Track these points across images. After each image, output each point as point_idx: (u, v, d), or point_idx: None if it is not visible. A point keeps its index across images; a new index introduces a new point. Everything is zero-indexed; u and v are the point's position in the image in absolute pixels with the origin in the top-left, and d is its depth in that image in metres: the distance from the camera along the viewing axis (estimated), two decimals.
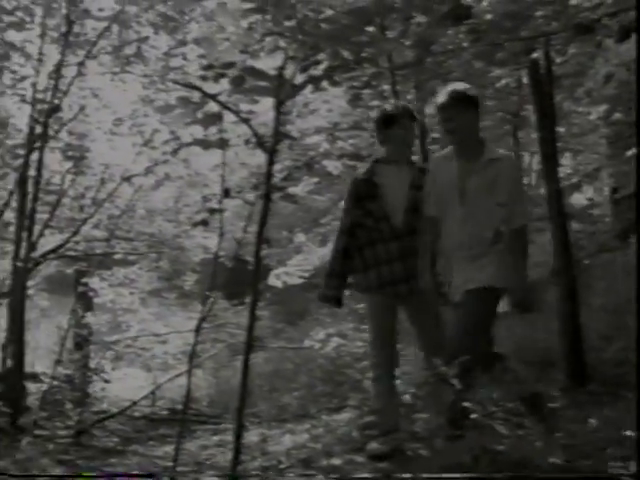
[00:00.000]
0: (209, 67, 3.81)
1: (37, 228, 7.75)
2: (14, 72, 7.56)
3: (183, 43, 8.81)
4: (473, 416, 3.44)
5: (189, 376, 4.42)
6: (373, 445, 4.60)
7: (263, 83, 3.65)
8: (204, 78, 3.86)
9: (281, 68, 3.64)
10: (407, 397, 5.43)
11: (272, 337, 11.43)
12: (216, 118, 3.79)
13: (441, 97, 4.16)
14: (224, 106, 3.77)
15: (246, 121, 3.75)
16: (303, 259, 9.45)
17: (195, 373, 8.85)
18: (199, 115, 3.86)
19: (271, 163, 3.65)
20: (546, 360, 5.84)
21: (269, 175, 3.65)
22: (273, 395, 8.33)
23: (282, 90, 3.60)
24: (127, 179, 9.09)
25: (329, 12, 4.23)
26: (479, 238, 4.03)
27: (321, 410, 7.06)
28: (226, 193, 3.96)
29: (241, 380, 3.68)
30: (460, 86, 4.29)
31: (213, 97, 3.71)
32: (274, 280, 8.93)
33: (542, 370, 5.53)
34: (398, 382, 4.98)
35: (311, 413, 7.11)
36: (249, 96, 3.84)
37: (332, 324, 9.05)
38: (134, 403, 8.61)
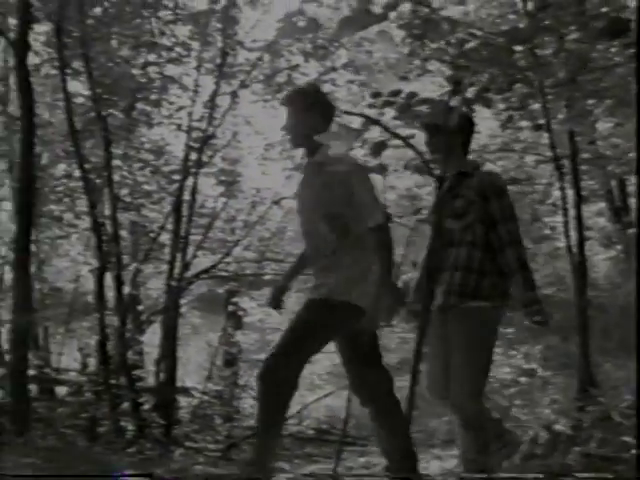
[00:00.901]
0: (376, 95, 3.85)
1: (191, 249, 8.14)
2: (172, 103, 8.04)
3: (333, 69, 8.98)
4: None
5: (348, 399, 4.38)
6: None
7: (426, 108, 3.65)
8: (372, 106, 3.89)
9: (451, 93, 3.61)
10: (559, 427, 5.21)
11: None
12: (383, 146, 3.80)
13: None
14: (393, 133, 3.76)
15: (415, 148, 3.73)
16: None
17: (340, 394, 8.93)
18: (361, 142, 3.90)
19: (440, 188, 3.59)
20: None
21: (440, 201, 3.58)
22: (420, 419, 8.23)
23: (449, 115, 3.57)
24: (277, 202, 9.36)
25: (479, 33, 4.17)
26: (314, 250, 3.52)
27: None
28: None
29: (407, 404, 3.54)
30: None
31: (384, 125, 3.72)
32: None
33: None
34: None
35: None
36: (413, 122, 3.83)
37: None
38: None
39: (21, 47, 5.89)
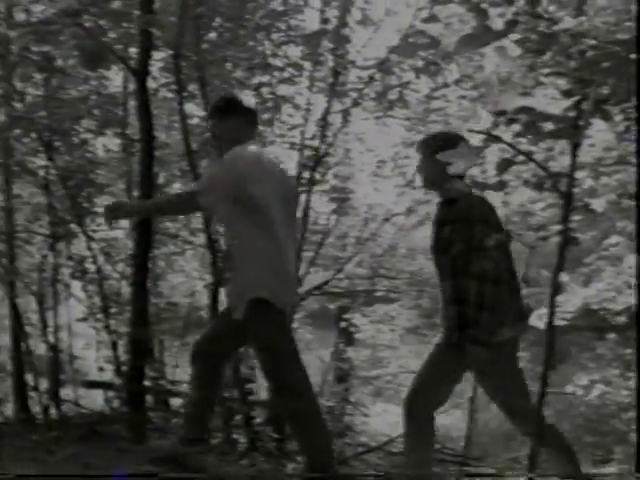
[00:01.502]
0: (501, 113, 3.81)
1: (303, 266, 8.24)
2: (284, 122, 8.19)
3: (445, 85, 8.93)
4: None
5: (470, 417, 4.33)
6: None
7: (550, 125, 3.58)
8: (496, 124, 3.86)
9: (575, 108, 3.52)
10: None
11: (532, 380, 11.00)
12: (510, 163, 3.76)
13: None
14: (519, 151, 3.72)
15: (540, 165, 3.67)
16: (565, 300, 9.03)
17: (453, 413, 8.80)
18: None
19: (568, 205, 3.53)
20: None
21: (566, 218, 3.51)
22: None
23: (577, 132, 3.47)
24: (389, 219, 9.37)
25: (597, 43, 4.05)
26: None
27: (586, 462, 6.66)
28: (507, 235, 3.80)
29: (536, 428, 3.46)
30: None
31: (508, 143, 3.68)
32: (536, 321, 8.64)
33: None
34: None
35: None
36: (537, 139, 3.77)
37: (596, 370, 8.53)
38: (392, 439, 8.73)
39: (141, 73, 6.17)
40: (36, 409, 7.59)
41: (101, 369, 7.84)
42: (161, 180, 8.38)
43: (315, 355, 10.18)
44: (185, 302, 9.57)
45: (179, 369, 8.76)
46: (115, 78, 8.13)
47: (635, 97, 3.43)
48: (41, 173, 7.59)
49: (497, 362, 3.56)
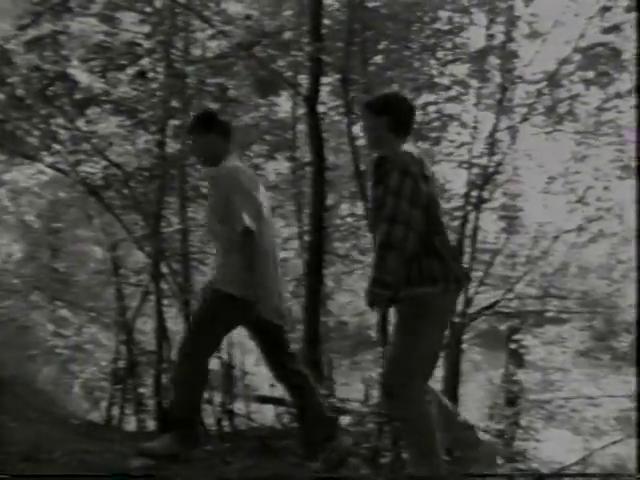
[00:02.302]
0: None
1: (473, 285, 8.12)
2: (451, 141, 8.13)
3: (618, 95, 8.53)
4: None
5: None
6: None
7: None
8: None
9: None
10: None
11: None
12: None
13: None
14: None
15: None
16: None
17: (629, 442, 8.33)
18: None
19: None
20: None
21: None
22: None
23: None
24: (559, 236, 9.06)
25: None
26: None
27: None
28: None
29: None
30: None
31: None
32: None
33: None
34: None
35: None
36: None
37: None
38: (565, 467, 8.38)
39: (311, 98, 6.37)
40: (210, 421, 7.92)
41: (272, 385, 8.06)
42: (330, 201, 8.56)
43: (485, 376, 9.99)
44: (354, 321, 9.69)
45: (348, 387, 8.87)
46: (283, 104, 8.42)
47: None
48: None
49: (398, 310, 3.42)
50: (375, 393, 8.53)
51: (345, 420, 8.42)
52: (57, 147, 7.45)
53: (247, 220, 3.78)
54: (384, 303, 3.29)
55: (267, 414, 8.50)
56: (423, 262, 3.27)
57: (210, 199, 4.07)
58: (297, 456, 6.11)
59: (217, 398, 7.77)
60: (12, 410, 5.61)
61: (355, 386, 9.34)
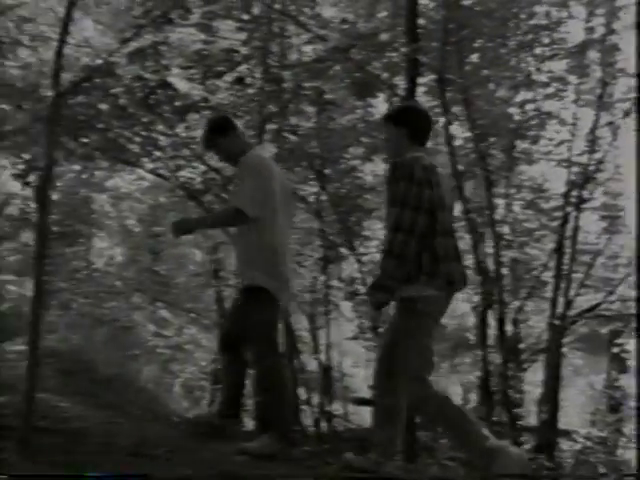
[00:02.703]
0: None
1: (573, 287, 7.93)
2: (550, 139, 7.95)
3: None
4: None
5: None
6: None
7: None
8: None
9: None
10: None
11: None
12: None
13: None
14: None
15: None
16: None
17: None
18: None
19: None
20: None
21: None
22: None
23: None
24: None
25: None
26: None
27: None
28: None
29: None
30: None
31: None
32: None
33: None
34: None
35: None
36: None
37: None
38: None
39: (409, 99, 6.35)
40: (308, 422, 7.98)
41: (370, 387, 8.07)
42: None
43: (586, 381, 9.71)
44: (452, 323, 9.58)
45: (447, 389, 8.75)
46: (380, 105, 8.40)
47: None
48: (312, 200, 8.03)
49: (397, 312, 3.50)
50: (474, 396, 8.43)
51: None
52: (157, 153, 7.67)
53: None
54: (384, 305, 3.43)
55: (365, 416, 8.51)
56: (421, 262, 3.39)
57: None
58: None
59: (315, 399, 7.84)
60: (116, 407, 5.79)
61: (454, 389, 9.24)
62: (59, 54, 3.99)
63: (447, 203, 3.53)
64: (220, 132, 4.30)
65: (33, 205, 8.36)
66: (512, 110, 7.99)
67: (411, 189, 3.34)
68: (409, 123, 3.62)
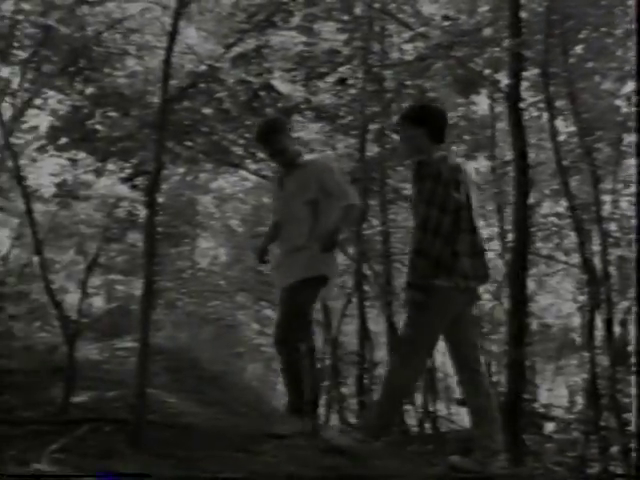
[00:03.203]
0: None
1: None
2: None
3: None
4: None
5: None
6: None
7: None
8: None
9: None
10: None
11: None
12: None
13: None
14: None
15: None
16: None
17: None
18: None
19: None
20: None
21: None
22: None
23: None
24: None
25: None
26: (296, 235, 4.22)
27: None
28: None
29: None
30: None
31: None
32: None
33: None
34: None
35: None
36: None
37: None
38: None
39: (513, 94, 6.23)
40: (411, 422, 7.93)
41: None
42: (531, 200, 8.34)
43: None
44: (558, 324, 9.33)
45: (552, 392, 8.56)
46: (481, 102, 8.29)
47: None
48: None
49: (427, 305, 3.59)
50: (580, 400, 8.18)
51: (549, 427, 8.15)
52: (260, 155, 7.80)
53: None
54: (422, 303, 3.56)
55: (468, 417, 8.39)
56: (442, 258, 3.52)
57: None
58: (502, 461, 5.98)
59: (419, 400, 7.79)
60: (222, 403, 5.90)
61: (558, 392, 8.99)
62: (167, 62, 4.11)
63: (472, 202, 3.61)
64: (275, 134, 4.35)
65: (140, 207, 8.62)
66: (619, 102, 7.72)
67: (437, 189, 3.41)
68: (428, 122, 3.70)
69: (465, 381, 3.74)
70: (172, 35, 4.09)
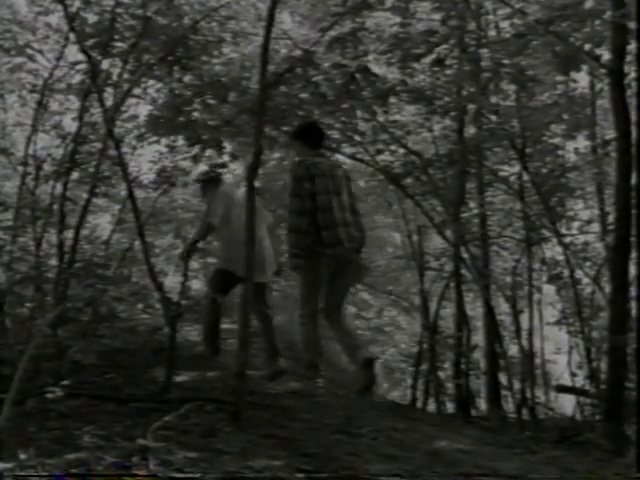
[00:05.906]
0: None
1: None
2: None
3: None
4: None
5: None
6: None
7: None
8: None
9: None
10: None
11: None
12: None
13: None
14: None
15: None
16: None
17: None
18: None
19: None
20: None
21: None
22: None
23: None
24: None
25: None
26: None
27: None
28: None
29: None
30: None
31: None
32: None
33: None
34: None
35: None
36: None
37: None
38: None
39: (617, 70, 5.98)
40: (508, 407, 7.80)
41: (573, 374, 7.74)
42: (633, 181, 8.00)
43: None
44: None
45: None
46: (582, 79, 7.99)
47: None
48: (514, 180, 7.80)
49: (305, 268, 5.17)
50: None
51: None
52: (357, 138, 7.79)
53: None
54: (299, 266, 5.08)
55: (567, 404, 8.18)
56: (308, 231, 5.01)
57: None
58: (603, 451, 5.79)
59: (517, 386, 7.65)
60: (320, 386, 5.94)
61: None
62: (265, 48, 4.16)
63: (326, 188, 5.08)
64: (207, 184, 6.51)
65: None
66: None
67: (295, 183, 5.07)
68: (302, 138, 5.37)
69: (329, 318, 5.12)
70: (269, 21, 4.13)
